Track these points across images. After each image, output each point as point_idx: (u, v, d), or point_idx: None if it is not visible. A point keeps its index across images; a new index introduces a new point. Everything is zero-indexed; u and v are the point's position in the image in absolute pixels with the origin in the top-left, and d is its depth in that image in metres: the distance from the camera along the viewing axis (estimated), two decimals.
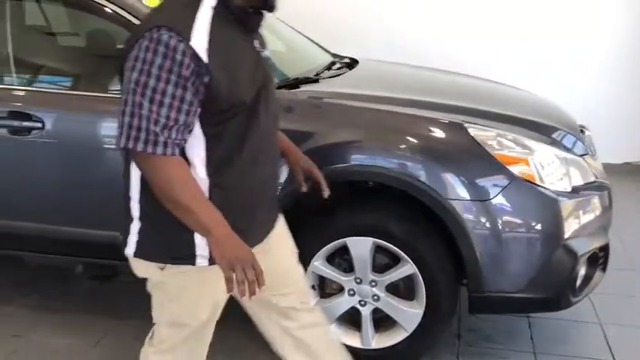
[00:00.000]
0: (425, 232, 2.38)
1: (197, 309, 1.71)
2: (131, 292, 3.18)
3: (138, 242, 1.65)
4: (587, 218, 2.43)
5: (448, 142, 2.37)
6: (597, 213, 2.49)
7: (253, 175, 1.65)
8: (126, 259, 1.70)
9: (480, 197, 2.28)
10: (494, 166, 2.30)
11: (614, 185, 2.66)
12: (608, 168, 2.99)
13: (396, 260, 2.42)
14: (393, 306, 2.46)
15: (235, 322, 2.04)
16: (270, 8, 1.62)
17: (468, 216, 2.28)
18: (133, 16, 2.50)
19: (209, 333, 1.81)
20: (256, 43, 1.65)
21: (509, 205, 2.29)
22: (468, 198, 2.28)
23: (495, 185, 2.28)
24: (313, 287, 2.52)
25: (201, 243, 1.59)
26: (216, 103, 1.51)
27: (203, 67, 1.45)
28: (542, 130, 2.60)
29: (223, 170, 1.59)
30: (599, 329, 2.85)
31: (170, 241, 1.60)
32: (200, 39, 1.46)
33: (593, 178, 2.56)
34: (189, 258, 1.61)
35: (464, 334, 2.82)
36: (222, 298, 1.73)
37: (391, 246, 2.37)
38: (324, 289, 2.56)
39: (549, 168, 2.38)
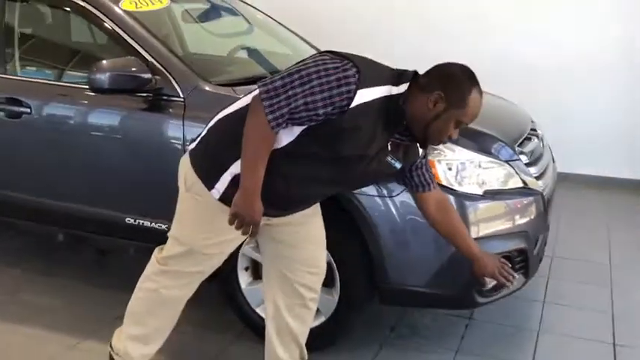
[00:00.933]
0: (340, 225, 2.53)
1: (198, 234, 2.14)
2: (128, 267, 3.59)
3: (196, 145, 2.12)
4: (498, 220, 2.51)
5: None
6: (514, 217, 2.56)
7: (295, 190, 2.03)
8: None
9: (386, 193, 2.42)
10: None
11: None
12: None
13: None
14: None
15: None
16: (422, 145, 2.06)
17: (373, 210, 2.43)
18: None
19: (204, 265, 2.21)
20: (390, 142, 2.00)
21: (413, 202, 2.41)
22: (374, 194, 2.42)
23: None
24: (246, 269, 2.76)
25: (223, 181, 2.01)
26: (322, 129, 1.88)
27: (345, 108, 1.83)
28: (478, 138, 2.65)
29: (283, 165, 1.95)
30: (534, 336, 2.88)
31: (208, 163, 2.06)
32: (363, 96, 1.85)
33: (519, 185, 2.62)
34: (209, 183, 2.04)
35: (399, 328, 2.95)
36: (227, 238, 2.12)
37: None
38: (258, 271, 2.78)
39: (462, 172, 2.48)
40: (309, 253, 2.27)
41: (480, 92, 1.92)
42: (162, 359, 2.53)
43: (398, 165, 2.06)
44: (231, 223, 1.96)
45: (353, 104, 1.82)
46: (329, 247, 2.50)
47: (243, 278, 2.75)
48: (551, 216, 2.95)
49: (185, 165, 2.13)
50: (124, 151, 2.86)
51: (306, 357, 2.43)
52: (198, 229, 2.13)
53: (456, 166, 2.47)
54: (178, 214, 2.18)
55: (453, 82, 1.90)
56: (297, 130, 1.91)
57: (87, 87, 2.79)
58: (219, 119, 2.10)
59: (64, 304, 3.12)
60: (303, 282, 2.27)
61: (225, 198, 2.00)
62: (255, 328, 2.74)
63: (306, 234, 2.25)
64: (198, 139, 2.14)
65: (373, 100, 1.86)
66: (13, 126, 3.03)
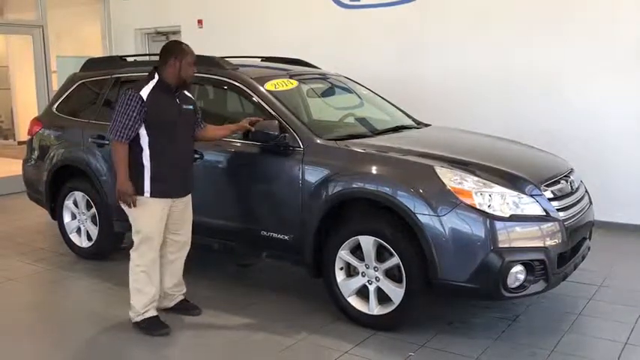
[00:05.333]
0: (406, 236, 3.58)
1: (146, 223, 3.72)
2: (247, 276, 4.84)
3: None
4: (519, 236, 3.44)
5: (421, 177, 3.59)
6: (535, 235, 3.48)
7: (170, 158, 3.71)
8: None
9: (437, 213, 3.46)
10: (448, 194, 3.47)
11: None
12: None
13: (390, 254, 3.66)
14: (387, 285, 3.69)
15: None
16: (184, 88, 3.77)
17: (428, 225, 3.47)
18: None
19: (157, 241, 3.77)
20: (177, 99, 3.73)
21: (456, 219, 3.42)
22: (429, 213, 3.47)
23: (447, 206, 3.45)
24: (341, 268, 3.86)
25: (147, 186, 3.64)
26: (149, 120, 3.61)
27: (145, 104, 3.57)
28: (509, 177, 3.65)
29: (157, 153, 3.66)
30: (561, 334, 3.70)
31: (135, 184, 3.67)
32: (145, 93, 3.60)
33: (542, 213, 3.55)
34: (141, 192, 3.67)
35: (455, 323, 3.89)
36: (158, 218, 3.72)
37: (385, 243, 3.63)
38: (350, 271, 3.87)
39: (494, 200, 3.47)
40: (183, 225, 3.93)
41: (184, 43, 3.75)
42: (285, 330, 3.77)
43: (192, 107, 3.81)
44: (117, 200, 3.69)
45: (145, 99, 3.55)
46: (400, 255, 3.58)
47: (339, 275, 3.86)
48: (607, 256, 4.26)
49: None
50: (263, 183, 4.14)
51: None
52: (147, 221, 3.76)
53: (487, 196, 3.47)
54: (131, 219, 3.84)
55: (172, 49, 3.67)
56: (143, 132, 3.60)
57: (238, 140, 4.17)
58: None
59: (215, 292, 4.42)
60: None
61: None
62: (347, 311, 3.84)
63: (181, 214, 3.87)
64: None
65: (152, 89, 3.59)
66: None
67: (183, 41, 3.82)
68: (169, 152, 3.68)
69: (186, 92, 3.82)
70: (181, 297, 4.07)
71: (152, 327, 3.76)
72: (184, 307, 4.04)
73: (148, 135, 3.63)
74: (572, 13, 5.97)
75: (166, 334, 3.73)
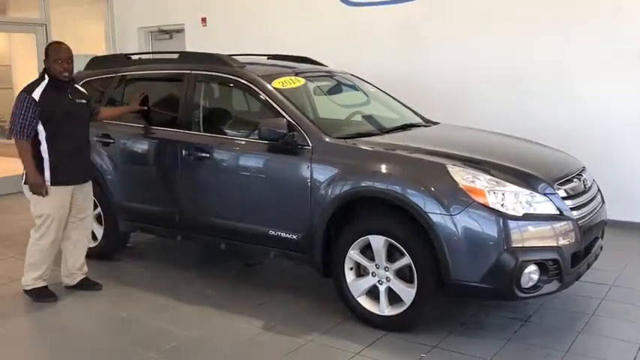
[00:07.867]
0: (417, 235, 3.52)
1: (46, 208, 4.12)
2: (254, 276, 4.79)
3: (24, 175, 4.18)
4: (532, 235, 3.38)
5: (432, 176, 3.53)
6: (549, 235, 3.42)
7: (67, 149, 4.13)
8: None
9: (449, 212, 3.40)
10: (461, 193, 3.41)
11: None
12: None
13: (401, 254, 3.60)
14: (398, 286, 3.63)
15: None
16: (67, 82, 4.18)
17: (440, 224, 3.41)
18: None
19: (57, 224, 4.18)
20: (69, 94, 4.18)
21: (469, 218, 3.36)
22: (441, 212, 3.41)
23: (460, 205, 3.39)
24: (351, 268, 3.80)
25: (47, 175, 4.08)
26: (44, 117, 4.03)
27: (37, 104, 4.01)
28: (522, 176, 3.59)
29: (54, 143, 4.08)
30: (574, 335, 3.64)
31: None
32: (37, 94, 4.04)
33: (555, 212, 3.49)
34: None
35: (468, 323, 3.83)
36: (60, 204, 4.14)
37: (396, 243, 3.58)
38: (360, 271, 3.81)
39: (507, 199, 3.40)
40: (83, 209, 4.38)
41: (62, 43, 4.19)
42: (294, 330, 3.72)
43: (85, 101, 4.27)
44: (33, 192, 4.05)
45: (37, 99, 3.96)
46: (411, 254, 3.52)
47: (349, 275, 3.80)
48: (620, 256, 4.31)
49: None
50: (271, 182, 4.08)
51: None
52: (46, 205, 4.15)
53: (501, 195, 3.41)
54: (33, 202, 4.21)
55: (52, 49, 4.13)
56: (40, 127, 4.00)
57: (246, 139, 4.11)
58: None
59: (222, 292, 4.36)
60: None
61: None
62: (357, 312, 3.79)
63: (82, 199, 4.31)
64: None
65: (44, 89, 4.01)
66: (198, 166, 4.39)
67: (61, 41, 4.27)
68: (65, 144, 4.11)
69: (79, 87, 4.33)
70: (82, 276, 4.48)
71: (41, 295, 4.27)
72: (86, 285, 4.46)
73: (44, 130, 4.05)
74: (574, 11, 5.91)
75: (53, 302, 4.23)
